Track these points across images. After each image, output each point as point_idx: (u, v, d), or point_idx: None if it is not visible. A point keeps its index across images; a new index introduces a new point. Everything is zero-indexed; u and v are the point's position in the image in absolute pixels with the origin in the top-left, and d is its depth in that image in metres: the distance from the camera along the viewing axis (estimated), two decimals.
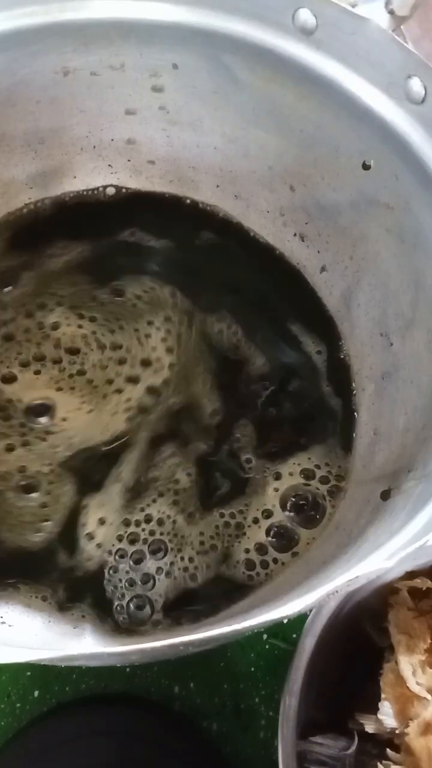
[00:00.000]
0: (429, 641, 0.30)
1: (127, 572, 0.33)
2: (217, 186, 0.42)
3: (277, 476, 0.35)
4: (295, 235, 0.40)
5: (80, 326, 0.39)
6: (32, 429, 0.36)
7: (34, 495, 0.35)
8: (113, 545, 0.34)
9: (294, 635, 0.39)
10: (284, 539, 0.34)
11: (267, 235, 0.42)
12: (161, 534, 0.34)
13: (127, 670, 0.38)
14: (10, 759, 0.36)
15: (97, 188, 0.43)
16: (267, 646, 0.39)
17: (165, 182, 0.43)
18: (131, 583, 0.33)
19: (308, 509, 0.35)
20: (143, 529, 0.34)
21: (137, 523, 0.34)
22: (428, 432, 0.31)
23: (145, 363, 0.38)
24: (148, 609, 0.33)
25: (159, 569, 0.33)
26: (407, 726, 0.29)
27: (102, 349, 0.39)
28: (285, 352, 0.39)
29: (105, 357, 0.38)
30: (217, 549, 0.34)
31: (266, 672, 0.39)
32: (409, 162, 0.31)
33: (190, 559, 0.34)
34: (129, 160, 0.42)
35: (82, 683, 0.38)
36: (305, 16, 0.31)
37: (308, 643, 0.30)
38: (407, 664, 0.30)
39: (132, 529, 0.34)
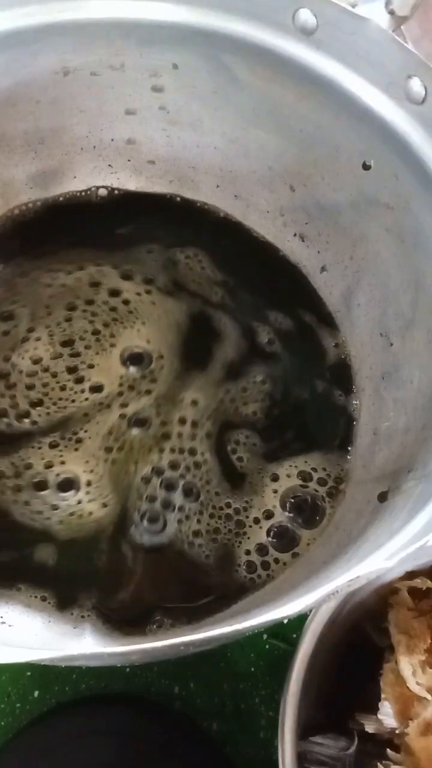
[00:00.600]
0: (429, 641, 0.30)
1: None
2: (217, 186, 0.42)
3: (275, 477, 0.35)
4: (295, 235, 0.40)
5: (38, 339, 0.38)
6: (144, 376, 0.38)
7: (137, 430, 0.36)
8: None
9: (294, 635, 0.39)
10: (285, 539, 0.34)
11: (267, 235, 0.42)
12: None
13: (127, 670, 0.38)
14: (10, 759, 0.36)
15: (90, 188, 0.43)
16: (267, 646, 0.39)
17: (165, 182, 0.43)
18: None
19: (308, 510, 0.35)
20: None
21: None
22: (428, 432, 0.31)
23: (115, 293, 0.40)
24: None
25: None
26: (407, 726, 0.29)
27: (74, 308, 0.39)
28: (284, 353, 0.39)
29: (95, 310, 0.39)
30: (220, 532, 0.34)
31: (266, 672, 0.39)
32: (409, 162, 0.31)
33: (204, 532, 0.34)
34: (129, 160, 0.42)
35: (82, 683, 0.38)
36: (305, 16, 0.31)
37: (308, 643, 0.30)
38: (407, 664, 0.30)
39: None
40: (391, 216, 0.34)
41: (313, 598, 0.21)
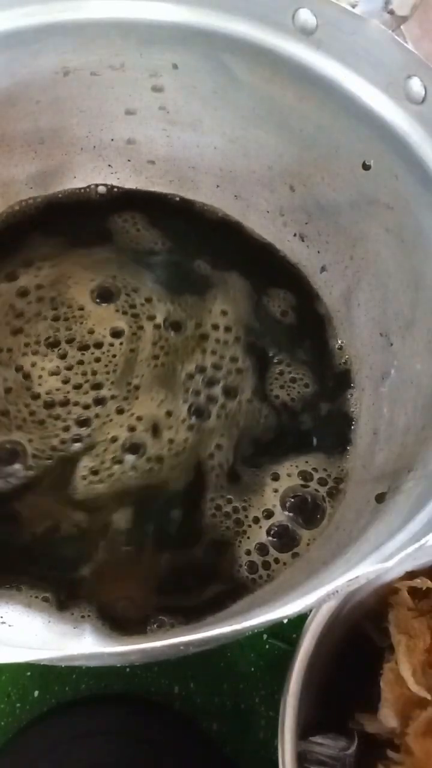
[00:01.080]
0: (429, 641, 0.30)
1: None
2: (217, 186, 0.42)
3: (275, 477, 0.35)
4: (295, 235, 0.40)
5: (33, 365, 0.38)
6: (129, 293, 0.40)
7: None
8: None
9: (294, 635, 0.39)
10: (285, 539, 0.34)
11: (267, 235, 0.42)
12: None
13: (127, 670, 0.38)
14: (10, 759, 0.36)
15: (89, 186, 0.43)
16: (267, 646, 0.39)
17: (165, 182, 0.43)
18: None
19: (308, 510, 0.35)
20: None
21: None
22: (428, 432, 0.31)
23: (23, 293, 0.40)
24: None
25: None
26: (407, 726, 0.29)
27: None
28: (283, 353, 0.39)
29: (32, 312, 0.39)
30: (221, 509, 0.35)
31: (266, 672, 0.39)
32: (409, 162, 0.31)
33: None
34: (129, 160, 0.42)
35: (82, 683, 0.38)
36: (305, 16, 0.31)
37: (308, 643, 0.30)
38: (407, 664, 0.30)
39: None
40: (391, 216, 0.34)
41: (313, 598, 0.21)
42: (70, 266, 0.40)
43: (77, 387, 0.37)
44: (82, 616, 0.32)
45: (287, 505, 0.35)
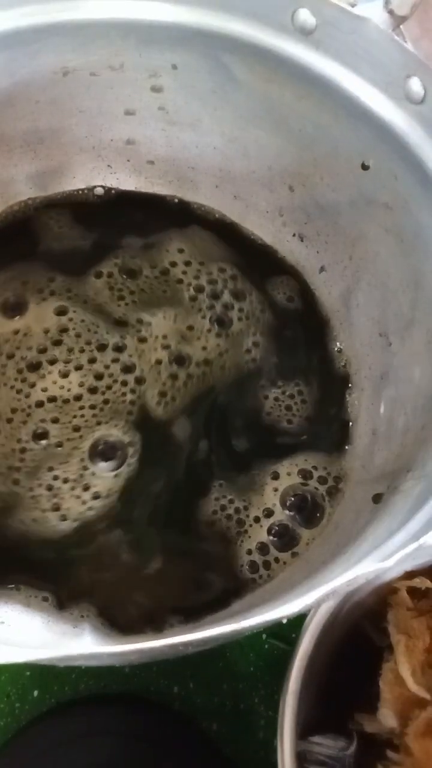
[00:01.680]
0: (428, 641, 0.30)
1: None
2: (217, 186, 0.42)
3: (275, 476, 0.35)
4: (294, 235, 0.40)
5: (45, 388, 0.38)
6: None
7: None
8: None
9: (293, 635, 0.39)
10: (285, 539, 0.34)
11: (266, 236, 0.42)
12: None
13: (127, 670, 0.38)
14: (10, 759, 0.36)
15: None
16: (267, 646, 0.39)
17: (164, 182, 0.43)
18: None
19: (308, 509, 0.35)
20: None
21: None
22: (428, 432, 0.31)
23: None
24: None
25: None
26: (407, 726, 0.29)
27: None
28: (284, 352, 0.39)
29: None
30: (220, 527, 0.35)
31: (266, 672, 0.39)
32: (408, 162, 0.31)
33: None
34: (128, 160, 0.42)
35: (81, 683, 0.38)
36: (304, 16, 0.31)
37: (308, 643, 0.30)
38: (406, 664, 0.30)
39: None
40: (390, 216, 0.34)
41: (313, 598, 0.21)
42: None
43: (92, 361, 0.38)
44: (82, 616, 0.32)
45: (287, 503, 0.35)
